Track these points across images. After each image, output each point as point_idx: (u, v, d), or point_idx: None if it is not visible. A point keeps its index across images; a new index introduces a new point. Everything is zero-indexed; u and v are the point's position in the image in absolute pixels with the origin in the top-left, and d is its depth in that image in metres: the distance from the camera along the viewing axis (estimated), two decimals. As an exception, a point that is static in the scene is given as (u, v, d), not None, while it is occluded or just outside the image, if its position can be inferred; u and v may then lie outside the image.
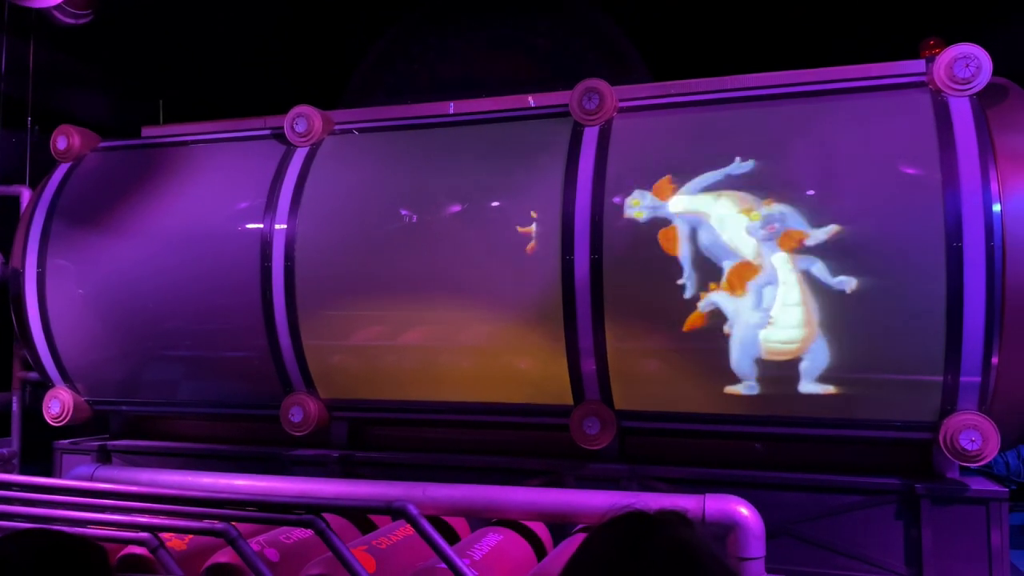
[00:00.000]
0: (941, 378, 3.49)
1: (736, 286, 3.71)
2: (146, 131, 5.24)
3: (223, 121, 5.00)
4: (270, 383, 4.47)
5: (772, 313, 3.67)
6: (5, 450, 5.13)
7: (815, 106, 3.89)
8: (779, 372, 3.70)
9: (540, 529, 3.88)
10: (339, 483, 3.75)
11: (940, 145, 3.53)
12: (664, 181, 3.91)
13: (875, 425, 3.66)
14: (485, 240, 4.12)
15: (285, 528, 3.47)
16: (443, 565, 2.92)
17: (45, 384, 4.97)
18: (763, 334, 3.68)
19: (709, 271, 3.75)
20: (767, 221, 3.69)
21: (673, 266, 3.81)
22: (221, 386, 4.59)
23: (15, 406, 5.30)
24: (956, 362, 3.45)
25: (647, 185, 3.93)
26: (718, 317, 3.74)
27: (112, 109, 5.78)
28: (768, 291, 3.67)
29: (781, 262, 3.65)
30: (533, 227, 4.02)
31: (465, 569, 2.90)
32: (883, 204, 3.57)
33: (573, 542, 3.63)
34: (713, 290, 3.74)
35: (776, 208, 3.69)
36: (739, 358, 3.73)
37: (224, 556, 3.15)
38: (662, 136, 4.08)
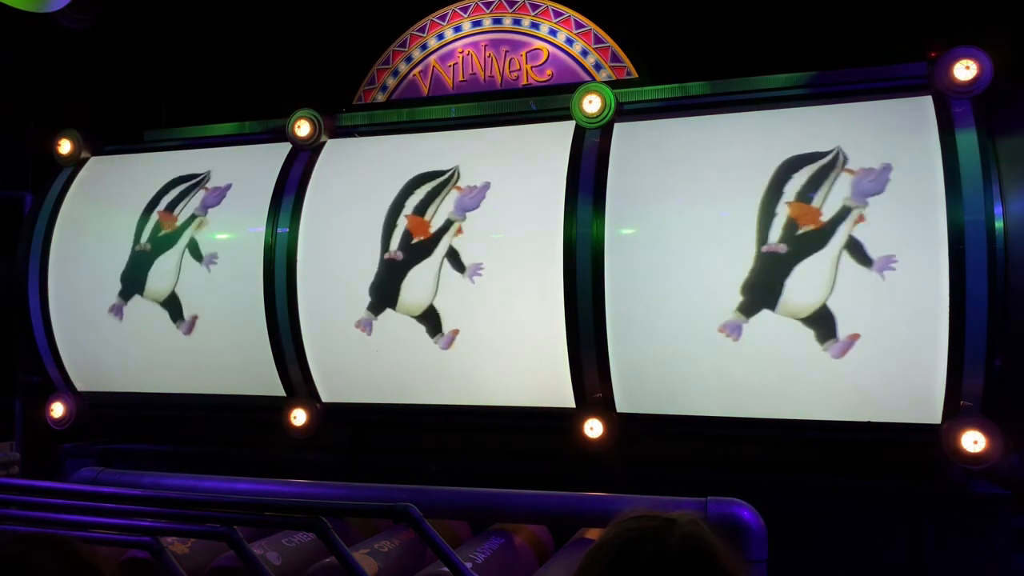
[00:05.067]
0: (943, 380, 3.49)
1: (741, 288, 3.71)
2: (149, 135, 5.27)
3: (226, 124, 5.02)
4: (273, 387, 4.47)
5: (775, 315, 3.66)
6: (7, 454, 5.14)
7: (817, 109, 3.89)
8: (783, 374, 3.70)
9: (542, 532, 3.87)
10: (341, 486, 3.74)
11: (942, 148, 3.53)
12: (667, 184, 3.92)
13: (877, 428, 3.65)
14: (486, 244, 4.12)
15: (287, 531, 3.47)
16: (446, 568, 2.92)
17: (48, 388, 4.97)
18: (766, 336, 3.68)
19: (713, 273, 3.75)
20: (769, 224, 3.69)
21: (676, 268, 3.81)
22: (223, 390, 4.59)
23: (17, 410, 5.31)
24: (958, 364, 3.44)
25: (647, 189, 3.93)
26: (719, 319, 3.73)
27: (115, 113, 5.79)
28: (771, 293, 3.67)
29: (783, 264, 3.65)
30: (534, 230, 4.03)
31: (468, 572, 2.90)
32: (885, 207, 3.56)
33: (575, 545, 3.63)
34: (716, 292, 3.74)
35: (778, 211, 3.69)
36: (742, 360, 3.73)
37: (226, 560, 3.16)
38: (663, 140, 4.08)
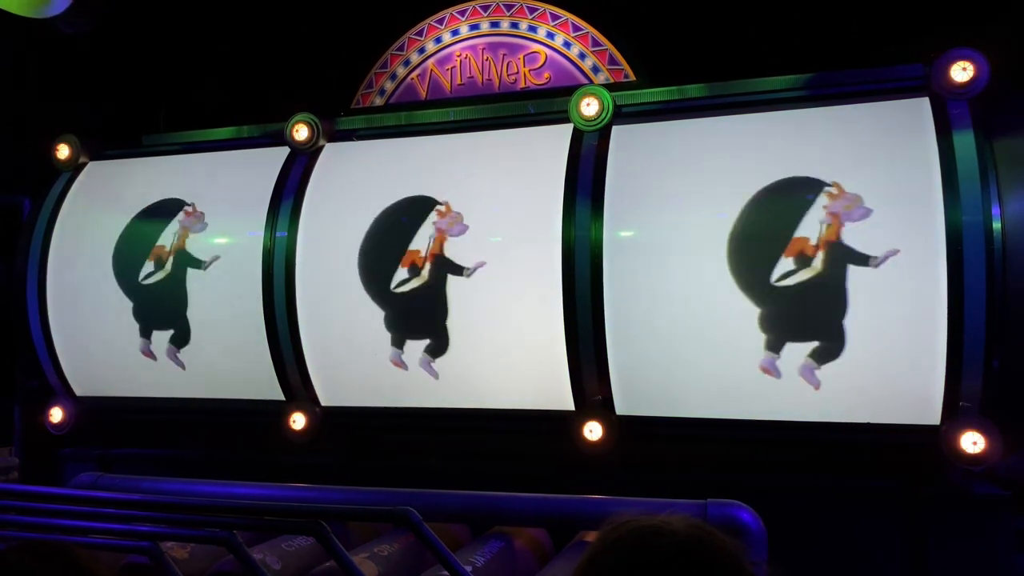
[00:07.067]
0: (942, 381, 3.49)
1: (740, 290, 3.71)
2: (147, 139, 5.26)
3: (224, 129, 5.03)
4: (271, 391, 4.47)
5: (774, 316, 3.66)
6: (6, 459, 5.13)
7: (815, 111, 3.90)
8: (782, 376, 3.69)
9: (542, 535, 3.87)
10: (341, 490, 3.74)
11: (939, 149, 3.54)
12: (665, 187, 3.93)
13: (877, 429, 3.65)
14: (484, 246, 4.12)
15: (287, 536, 3.47)
16: (446, 572, 2.91)
17: (47, 393, 4.97)
18: (765, 338, 3.68)
19: (712, 274, 3.75)
20: (769, 225, 3.69)
21: (676, 270, 3.81)
22: (222, 394, 4.59)
23: (16, 415, 5.30)
24: (957, 365, 3.44)
25: (645, 191, 3.93)
26: (718, 322, 3.73)
27: (113, 117, 5.79)
28: (771, 295, 3.67)
29: (782, 266, 3.65)
30: (533, 233, 4.03)
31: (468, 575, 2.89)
32: (883, 208, 3.57)
33: (575, 548, 3.62)
34: (715, 293, 3.75)
35: (778, 213, 3.69)
36: (741, 362, 3.73)
37: (226, 564, 3.15)
38: (661, 142, 4.08)
